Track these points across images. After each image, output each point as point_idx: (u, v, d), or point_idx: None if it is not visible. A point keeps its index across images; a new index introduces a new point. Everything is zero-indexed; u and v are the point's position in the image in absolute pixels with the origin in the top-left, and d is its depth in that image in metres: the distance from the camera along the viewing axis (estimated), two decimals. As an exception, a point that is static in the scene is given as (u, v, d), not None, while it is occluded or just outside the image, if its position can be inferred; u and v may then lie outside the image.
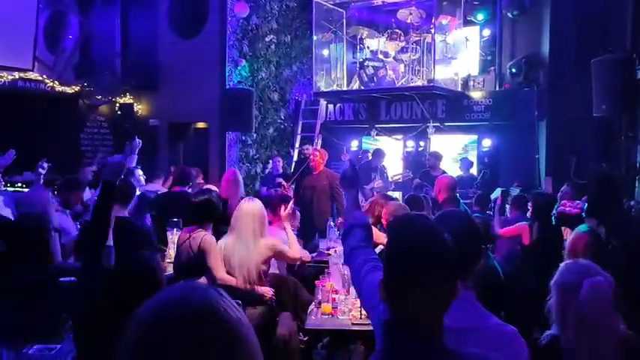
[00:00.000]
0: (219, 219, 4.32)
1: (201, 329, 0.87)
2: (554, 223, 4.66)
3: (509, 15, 9.07)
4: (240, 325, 0.91)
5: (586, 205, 4.57)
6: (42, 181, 4.84)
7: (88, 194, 5.68)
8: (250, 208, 4.06)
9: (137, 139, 6.94)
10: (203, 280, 3.92)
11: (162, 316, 0.88)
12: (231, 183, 5.76)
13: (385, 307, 1.41)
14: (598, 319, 1.94)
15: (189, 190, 5.97)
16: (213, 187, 6.67)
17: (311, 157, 7.23)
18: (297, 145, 10.39)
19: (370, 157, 8.71)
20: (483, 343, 1.51)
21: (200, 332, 0.87)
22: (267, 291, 4.06)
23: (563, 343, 2.03)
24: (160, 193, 5.98)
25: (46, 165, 4.89)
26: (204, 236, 4.00)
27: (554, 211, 4.67)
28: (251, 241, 3.98)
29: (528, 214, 5.26)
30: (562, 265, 2.21)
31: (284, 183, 7.54)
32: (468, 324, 1.55)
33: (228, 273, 3.98)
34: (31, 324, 2.43)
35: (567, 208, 4.56)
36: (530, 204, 5.26)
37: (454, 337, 1.32)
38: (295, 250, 4.45)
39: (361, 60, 9.74)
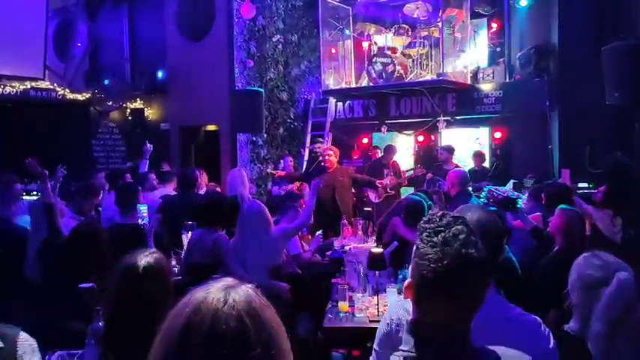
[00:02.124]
0: (230, 220, 4.36)
1: (241, 324, 0.89)
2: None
3: (517, 5, 9.00)
4: (275, 322, 0.95)
5: (510, 187, 4.47)
6: (57, 189, 4.87)
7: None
8: (253, 212, 4.16)
9: (148, 144, 6.99)
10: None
11: (204, 310, 0.90)
12: (237, 181, 5.81)
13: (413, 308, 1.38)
14: (627, 316, 1.88)
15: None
16: (217, 188, 6.74)
17: (326, 157, 7.20)
18: (307, 143, 10.39)
19: (381, 154, 8.69)
20: (507, 334, 1.50)
21: (241, 327, 0.89)
22: (284, 287, 4.09)
23: (587, 338, 1.96)
24: (166, 195, 5.96)
25: (63, 170, 4.96)
26: (217, 236, 4.03)
27: (485, 195, 4.58)
28: (257, 244, 4.05)
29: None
30: (580, 258, 2.08)
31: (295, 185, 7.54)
32: (491, 315, 1.53)
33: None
34: (54, 330, 2.45)
35: (496, 193, 4.45)
36: (543, 195, 5.22)
37: (477, 328, 1.31)
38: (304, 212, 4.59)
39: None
